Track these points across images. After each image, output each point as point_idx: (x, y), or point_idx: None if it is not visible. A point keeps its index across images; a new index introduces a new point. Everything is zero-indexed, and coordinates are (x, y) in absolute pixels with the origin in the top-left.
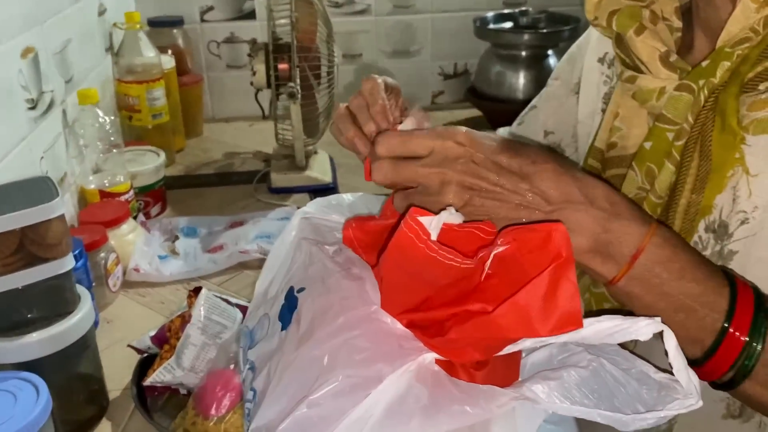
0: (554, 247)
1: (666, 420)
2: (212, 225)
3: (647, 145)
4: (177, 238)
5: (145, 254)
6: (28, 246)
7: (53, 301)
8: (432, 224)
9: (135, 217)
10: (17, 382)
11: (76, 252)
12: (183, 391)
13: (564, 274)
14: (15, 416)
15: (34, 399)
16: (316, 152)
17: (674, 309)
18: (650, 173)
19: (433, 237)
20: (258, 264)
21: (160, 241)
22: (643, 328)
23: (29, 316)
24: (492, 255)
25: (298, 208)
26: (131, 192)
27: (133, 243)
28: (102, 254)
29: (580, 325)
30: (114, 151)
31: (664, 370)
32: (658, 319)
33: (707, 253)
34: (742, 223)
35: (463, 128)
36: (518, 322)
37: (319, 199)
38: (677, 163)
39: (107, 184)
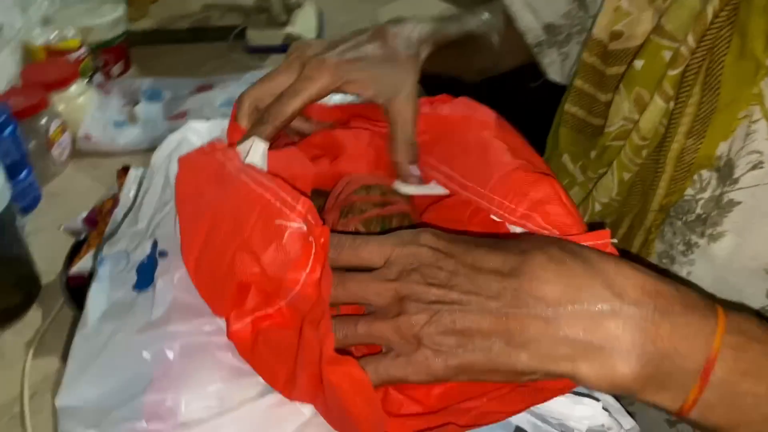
0: None
1: None
2: (178, 88)
3: (638, 64)
4: (138, 101)
5: (98, 120)
6: None
7: None
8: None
9: (91, 78)
10: None
11: (2, 119)
12: None
13: None
14: None
15: None
16: (300, 5)
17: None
18: (640, 101)
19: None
20: None
21: (119, 105)
22: None
23: None
24: None
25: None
26: (83, 49)
27: (84, 107)
28: (43, 120)
29: None
30: None
31: None
32: None
33: (705, 196)
34: (754, 167)
35: (429, 230)
36: None
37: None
38: (668, 97)
39: (54, 40)
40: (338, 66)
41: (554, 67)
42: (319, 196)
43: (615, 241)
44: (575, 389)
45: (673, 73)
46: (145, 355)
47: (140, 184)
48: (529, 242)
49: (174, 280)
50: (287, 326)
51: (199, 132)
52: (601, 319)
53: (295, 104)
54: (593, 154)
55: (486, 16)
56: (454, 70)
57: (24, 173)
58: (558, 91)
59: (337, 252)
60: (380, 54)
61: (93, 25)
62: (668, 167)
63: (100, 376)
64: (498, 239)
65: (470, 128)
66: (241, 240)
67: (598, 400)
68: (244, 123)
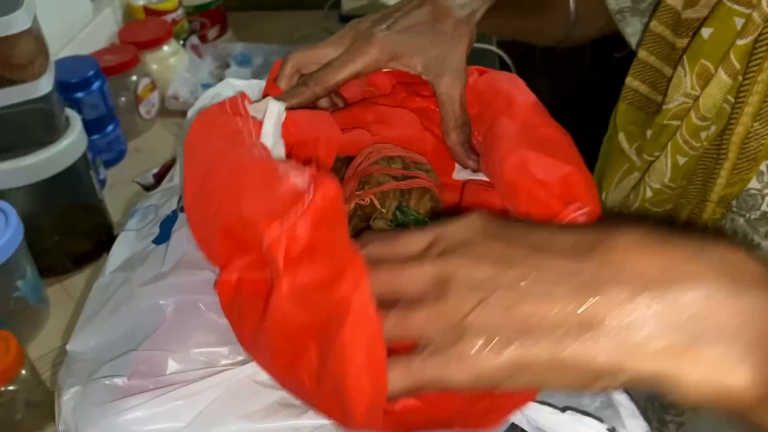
0: None
1: None
2: (268, 54)
3: (705, 32)
4: (228, 66)
5: (187, 81)
6: None
7: (30, 129)
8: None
9: (185, 40)
10: None
11: (91, 73)
12: None
13: None
14: None
15: (3, 226)
16: None
17: None
18: (703, 76)
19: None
20: None
21: (210, 68)
22: None
23: (5, 143)
24: None
25: None
26: (180, 11)
27: (175, 68)
28: (133, 78)
29: None
30: None
31: None
32: None
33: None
34: None
35: (478, 212)
36: None
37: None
38: (734, 71)
39: (154, 0)
40: (387, 40)
41: (637, 37)
42: (344, 164)
43: None
44: (578, 407)
45: (742, 42)
46: (143, 308)
47: None
48: (606, 226)
49: (188, 234)
50: (261, 282)
51: (235, 88)
52: (711, 308)
53: (340, 74)
54: (649, 133)
55: None
56: (517, 32)
57: (111, 127)
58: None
59: (372, 247)
60: (430, 21)
61: None
62: (731, 153)
63: (104, 326)
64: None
65: (503, 112)
66: (234, 186)
67: (602, 420)
68: (283, 84)
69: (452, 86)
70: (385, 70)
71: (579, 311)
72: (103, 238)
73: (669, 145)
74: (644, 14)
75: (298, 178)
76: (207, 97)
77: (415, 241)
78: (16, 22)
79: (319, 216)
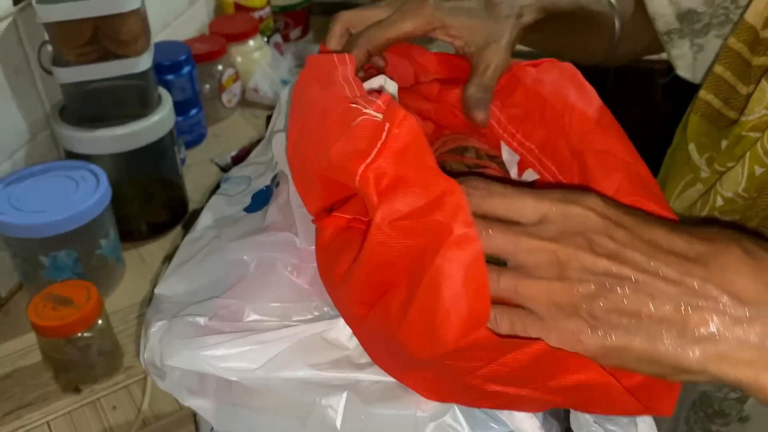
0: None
1: None
2: None
3: None
4: None
5: (268, 76)
6: (101, 39)
7: (127, 101)
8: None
9: (269, 37)
10: (83, 172)
11: (182, 58)
12: None
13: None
14: (74, 200)
15: (94, 188)
16: None
17: None
18: None
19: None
20: None
21: (290, 65)
22: None
23: (103, 112)
24: None
25: None
26: (268, 9)
27: (258, 62)
28: (219, 67)
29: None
30: None
31: None
32: None
33: None
34: None
35: (596, 193)
36: None
37: None
38: None
39: None
40: (436, 7)
41: (684, 61)
42: None
43: None
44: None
45: None
46: (228, 261)
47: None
48: (714, 231)
49: (280, 203)
50: (362, 224)
51: None
52: None
53: (388, 34)
54: (724, 144)
55: None
56: (561, 49)
57: (194, 111)
58: (690, 90)
59: (483, 196)
60: (481, 8)
61: None
62: None
63: (191, 273)
64: (678, 224)
65: (569, 117)
66: (322, 132)
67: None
68: (333, 43)
69: (490, 57)
70: (431, 35)
71: (683, 313)
72: (178, 211)
73: (747, 154)
74: (697, 35)
75: (373, 112)
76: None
77: (530, 207)
78: (128, 2)
79: (400, 146)
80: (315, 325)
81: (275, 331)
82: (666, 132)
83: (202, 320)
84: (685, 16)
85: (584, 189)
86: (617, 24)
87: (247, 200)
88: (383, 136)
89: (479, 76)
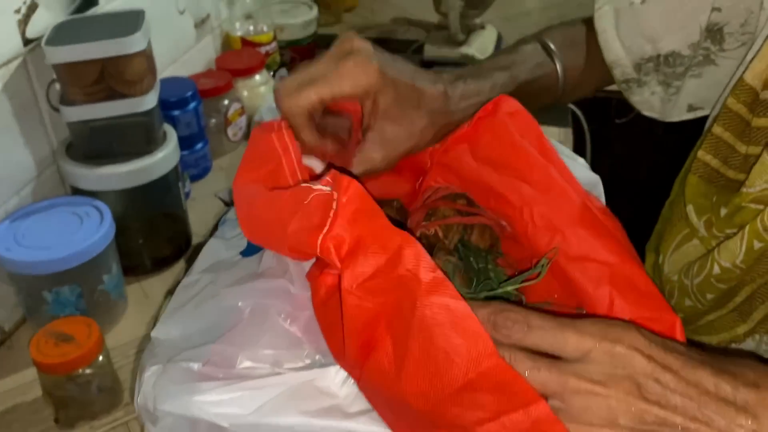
0: None
1: None
2: None
3: None
4: None
5: (274, 110)
6: (108, 79)
7: (132, 138)
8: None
9: (275, 71)
10: (87, 208)
11: (188, 94)
12: None
13: None
14: (78, 237)
15: (98, 224)
16: (483, 27)
17: None
18: None
19: None
20: None
21: None
22: None
23: (109, 149)
24: None
25: None
26: (274, 44)
27: (264, 96)
28: (225, 102)
29: None
30: None
31: None
32: None
33: None
34: None
35: (636, 328)
36: None
37: None
38: None
39: (251, 32)
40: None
41: (646, 105)
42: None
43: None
44: None
45: None
46: (224, 307)
47: None
48: (757, 371)
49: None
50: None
51: None
52: None
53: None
54: (724, 212)
55: (541, 57)
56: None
57: (200, 145)
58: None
59: (523, 331)
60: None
61: (287, 24)
62: None
63: (187, 318)
64: (716, 355)
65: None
66: (275, 212)
67: None
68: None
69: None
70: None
71: None
72: (182, 246)
73: (747, 228)
74: (679, 77)
75: (322, 186)
76: None
77: (573, 344)
78: (134, 44)
79: (351, 211)
80: (306, 373)
81: (267, 378)
82: (669, 167)
83: (195, 366)
84: (643, 66)
85: (622, 323)
86: (560, 77)
87: (243, 243)
88: (334, 206)
89: (362, 156)
